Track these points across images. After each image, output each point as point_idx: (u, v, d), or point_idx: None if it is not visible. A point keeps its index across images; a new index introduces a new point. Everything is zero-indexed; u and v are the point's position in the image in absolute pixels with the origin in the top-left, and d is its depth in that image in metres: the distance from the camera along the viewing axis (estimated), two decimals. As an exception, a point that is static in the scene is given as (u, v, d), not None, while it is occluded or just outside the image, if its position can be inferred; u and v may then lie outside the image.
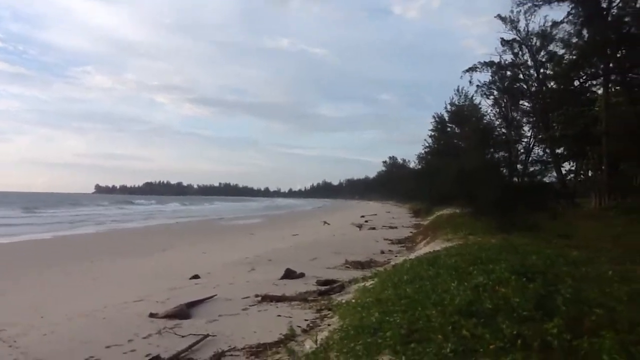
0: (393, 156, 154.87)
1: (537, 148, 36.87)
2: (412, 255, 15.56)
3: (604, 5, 27.01)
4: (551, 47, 33.82)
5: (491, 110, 40.23)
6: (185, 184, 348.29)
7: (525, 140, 37.89)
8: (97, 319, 9.59)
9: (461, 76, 37.88)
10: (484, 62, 36.37)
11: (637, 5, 26.50)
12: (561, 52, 32.70)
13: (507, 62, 36.44)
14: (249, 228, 42.33)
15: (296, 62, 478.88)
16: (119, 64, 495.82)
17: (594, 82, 31.34)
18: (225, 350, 7.13)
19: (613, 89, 29.12)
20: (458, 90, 47.46)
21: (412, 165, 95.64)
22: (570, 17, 28.84)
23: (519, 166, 34.31)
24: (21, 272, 17.52)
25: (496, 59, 36.02)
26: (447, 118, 52.11)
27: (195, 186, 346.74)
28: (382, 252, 19.84)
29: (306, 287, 12.17)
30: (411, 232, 30.37)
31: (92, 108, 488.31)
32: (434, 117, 55.05)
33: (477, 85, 38.19)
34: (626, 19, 27.07)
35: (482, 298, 6.26)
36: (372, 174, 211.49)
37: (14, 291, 14.01)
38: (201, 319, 9.26)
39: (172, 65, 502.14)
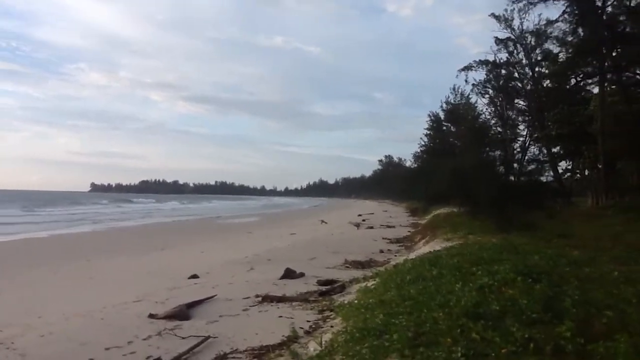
0: (389, 155, 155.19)
1: (533, 147, 36.93)
2: (412, 255, 15.50)
3: (599, 3, 26.98)
4: (546, 46, 33.84)
5: (486, 109, 40.25)
6: (181, 182, 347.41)
7: (521, 139, 37.93)
8: (95, 319, 9.48)
9: (457, 75, 37.92)
10: (480, 60, 36.37)
11: (631, 4, 26.51)
12: (556, 50, 32.72)
13: (502, 61, 36.45)
14: (247, 227, 42.23)
15: (291, 60, 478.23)
16: (113, 61, 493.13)
17: (589, 81, 31.35)
18: (227, 353, 7.02)
19: (608, 88, 29.10)
20: (454, 89, 47.42)
21: (408, 164, 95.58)
22: (565, 16, 28.83)
23: (515, 165, 34.34)
24: (18, 271, 17.36)
25: (491, 58, 36.01)
26: (442, 117, 52.07)
27: (191, 184, 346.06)
28: (381, 252, 19.77)
29: (307, 287, 12.09)
30: (409, 232, 30.32)
31: (86, 105, 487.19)
32: (429, 115, 55.06)
33: (473, 84, 38.20)
34: (621, 18, 27.08)
35: (488, 299, 6.21)
36: (368, 173, 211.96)
37: (10, 290, 13.86)
38: (201, 319, 9.15)
39: (166, 62, 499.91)
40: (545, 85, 35.52)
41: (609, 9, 27.11)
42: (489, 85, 38.36)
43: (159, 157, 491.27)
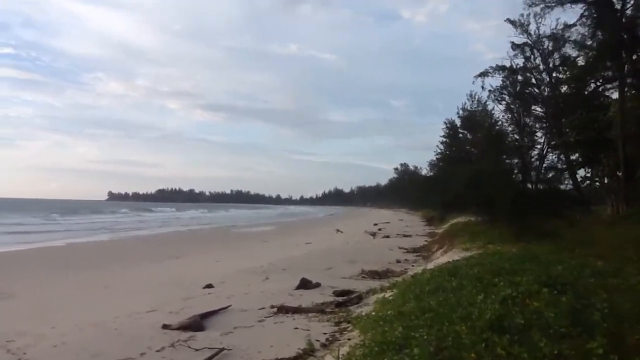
0: (404, 163, 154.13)
1: (551, 154, 36.35)
2: (430, 265, 15.23)
3: (618, 6, 26.53)
4: (564, 50, 33.33)
5: (503, 116, 39.75)
6: (197, 191, 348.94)
7: (539, 146, 37.37)
8: (108, 329, 9.38)
9: (473, 81, 37.36)
10: (496, 65, 35.93)
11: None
12: (575, 55, 32.22)
13: (518, 66, 35.98)
14: (262, 235, 42.14)
15: (305, 67, 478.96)
16: (130, 70, 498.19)
17: (609, 86, 30.81)
18: (241, 366, 6.84)
19: (628, 93, 28.56)
20: (470, 95, 46.95)
21: (424, 172, 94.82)
22: (583, 19, 28.39)
23: (532, 173, 33.85)
24: (35, 279, 17.43)
25: (507, 63, 35.56)
26: (458, 124, 51.60)
27: (207, 193, 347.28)
28: (398, 262, 19.48)
29: (322, 297, 11.87)
30: (426, 241, 29.96)
31: (104, 114, 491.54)
32: (445, 123, 54.45)
33: (489, 90, 37.72)
34: (640, 21, 26.60)
35: (512, 312, 5.94)
36: (383, 181, 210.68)
37: (26, 298, 13.88)
38: (216, 330, 8.98)
39: (182, 71, 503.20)
40: (562, 90, 34.98)
41: (629, 11, 26.63)
42: (505, 92, 37.86)
43: (175, 165, 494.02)
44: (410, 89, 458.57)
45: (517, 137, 37.60)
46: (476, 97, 45.86)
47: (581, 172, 36.22)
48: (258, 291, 13.21)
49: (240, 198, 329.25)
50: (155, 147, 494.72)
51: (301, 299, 11.63)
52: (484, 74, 36.33)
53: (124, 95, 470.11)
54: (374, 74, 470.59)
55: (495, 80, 37.16)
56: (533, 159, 36.57)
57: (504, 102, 38.10)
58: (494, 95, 37.80)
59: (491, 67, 35.94)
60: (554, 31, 32.22)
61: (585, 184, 36.73)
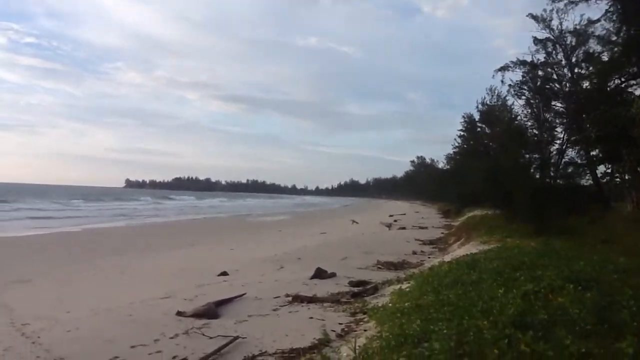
0: (421, 156, 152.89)
1: (570, 150, 35.83)
2: (447, 257, 15.01)
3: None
4: (587, 46, 32.75)
5: (522, 111, 39.24)
6: (213, 180, 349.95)
7: (558, 142, 36.86)
8: (123, 315, 9.33)
9: (493, 75, 36.92)
10: (517, 60, 35.44)
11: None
12: (599, 50, 31.63)
13: (539, 62, 35.46)
14: (277, 225, 42.14)
15: (324, 60, 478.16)
16: (150, 61, 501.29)
17: (632, 82, 30.23)
18: (255, 355, 6.70)
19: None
20: (490, 89, 46.42)
21: (440, 165, 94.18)
22: (608, 15, 27.82)
23: (551, 168, 33.41)
24: (52, 264, 17.54)
25: (529, 59, 35.06)
26: (477, 118, 51.08)
27: (224, 182, 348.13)
28: (414, 253, 19.29)
29: (338, 287, 11.74)
30: (442, 233, 29.71)
31: (122, 104, 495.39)
32: (463, 116, 53.98)
33: (509, 85, 37.25)
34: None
35: (534, 307, 5.78)
36: (399, 174, 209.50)
37: (42, 283, 13.96)
38: (230, 319, 8.89)
39: (201, 62, 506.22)
40: (584, 86, 34.41)
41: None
42: (525, 87, 37.37)
43: (192, 154, 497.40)
44: (429, 82, 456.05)
45: (537, 132, 37.13)
46: (496, 91, 45.38)
47: (601, 168, 35.69)
48: (273, 280, 13.13)
49: (256, 188, 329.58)
50: (172, 137, 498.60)
51: (316, 289, 11.51)
52: (504, 69, 35.91)
53: (143, 85, 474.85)
54: (393, 67, 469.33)
55: (516, 75, 36.70)
56: (552, 154, 36.11)
57: (523, 97, 37.60)
58: (514, 90, 37.30)
59: (512, 61, 35.50)
60: (577, 27, 31.72)
61: (605, 180, 36.20)
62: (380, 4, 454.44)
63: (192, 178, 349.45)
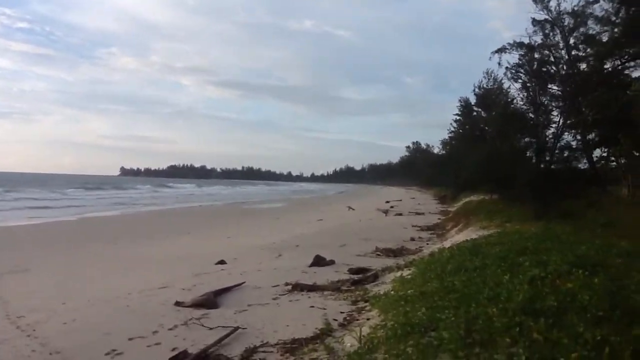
0: (417, 141, 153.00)
1: (567, 134, 35.70)
2: (447, 243, 14.91)
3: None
4: (586, 28, 32.50)
5: (518, 95, 39.05)
6: (208, 167, 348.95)
7: (554, 125, 36.71)
8: (120, 306, 9.18)
9: (490, 57, 36.66)
10: (514, 42, 35.17)
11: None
12: (598, 30, 31.38)
13: (537, 44, 35.21)
14: (273, 212, 42.02)
15: (320, 44, 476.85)
16: (144, 46, 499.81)
17: (632, 64, 30.03)
18: (257, 346, 6.55)
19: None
20: (487, 73, 46.17)
21: (436, 150, 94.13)
22: (606, -5, 27.55)
23: (547, 152, 33.31)
24: (49, 253, 17.31)
25: (526, 41, 34.81)
26: (473, 101, 50.86)
27: (219, 169, 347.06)
28: (412, 239, 19.17)
29: (337, 275, 11.62)
30: (439, 219, 29.64)
31: (117, 90, 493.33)
32: (459, 100, 53.69)
33: (506, 68, 37.01)
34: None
35: (542, 294, 5.64)
36: (395, 159, 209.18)
37: (39, 273, 13.72)
38: (229, 308, 8.74)
39: (196, 47, 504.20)
40: (582, 69, 34.19)
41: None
42: (522, 70, 37.15)
43: (187, 141, 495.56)
44: (425, 66, 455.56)
45: (532, 116, 36.97)
46: (492, 75, 45.13)
47: (596, 152, 35.61)
48: (271, 268, 12.99)
49: (251, 175, 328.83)
50: (167, 123, 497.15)
51: (315, 277, 11.38)
52: (501, 50, 35.62)
53: (138, 71, 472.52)
54: (389, 51, 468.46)
55: (512, 58, 36.45)
56: (548, 138, 35.98)
57: (520, 81, 37.39)
58: (511, 73, 37.05)
59: (509, 43, 35.26)
60: (576, 8, 31.45)
61: (600, 163, 36.13)
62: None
63: (187, 165, 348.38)
